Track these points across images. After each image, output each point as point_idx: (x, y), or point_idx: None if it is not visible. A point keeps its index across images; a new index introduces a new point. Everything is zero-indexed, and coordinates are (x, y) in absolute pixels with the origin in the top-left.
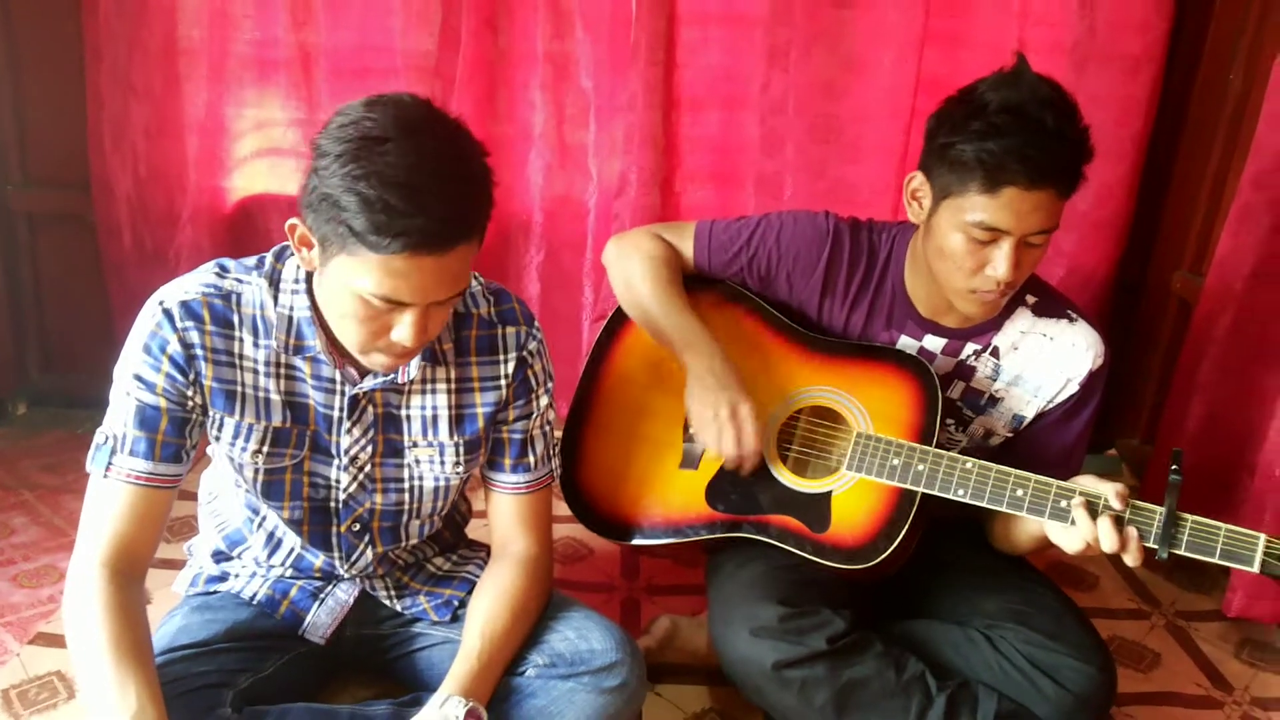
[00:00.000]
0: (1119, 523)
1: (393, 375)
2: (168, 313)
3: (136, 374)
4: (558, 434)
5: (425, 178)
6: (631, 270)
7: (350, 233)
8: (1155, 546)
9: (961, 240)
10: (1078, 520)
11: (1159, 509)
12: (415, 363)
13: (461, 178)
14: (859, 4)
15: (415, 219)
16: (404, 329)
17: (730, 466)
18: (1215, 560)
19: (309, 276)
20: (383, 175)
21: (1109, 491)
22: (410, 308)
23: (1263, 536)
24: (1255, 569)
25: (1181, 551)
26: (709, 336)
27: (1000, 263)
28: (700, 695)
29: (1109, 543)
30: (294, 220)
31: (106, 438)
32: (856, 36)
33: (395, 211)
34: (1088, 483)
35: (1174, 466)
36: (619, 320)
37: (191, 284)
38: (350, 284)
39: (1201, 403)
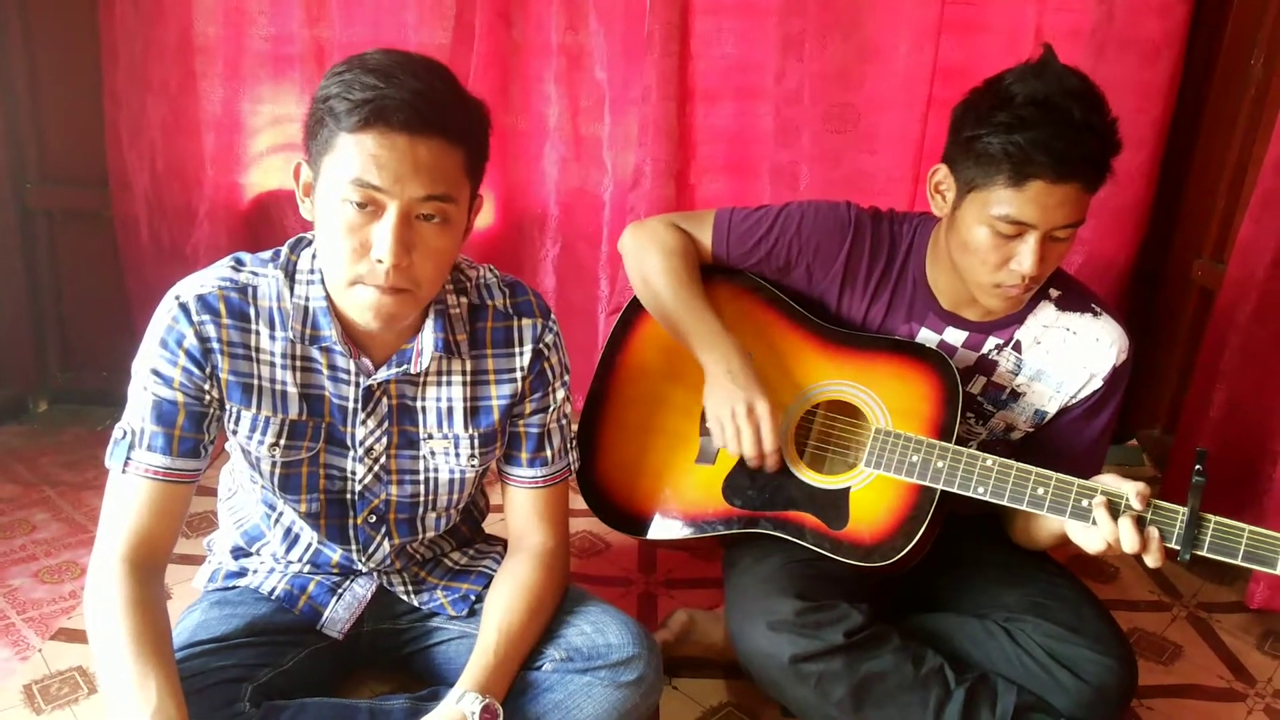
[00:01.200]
0: (1140, 523)
1: (406, 365)
2: (184, 307)
3: (153, 369)
4: (574, 427)
5: (400, 65)
6: (648, 265)
7: (332, 119)
8: (1178, 548)
9: (986, 234)
10: (1099, 520)
11: (1181, 509)
12: (429, 353)
13: (442, 77)
14: None
15: (385, 89)
16: (383, 238)
17: (754, 466)
18: (1238, 562)
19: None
20: (364, 64)
21: (1130, 491)
22: (387, 206)
23: None
24: (1279, 571)
25: (1204, 553)
26: (726, 334)
27: (1025, 257)
28: (717, 689)
29: (1130, 544)
30: (297, 162)
31: (125, 433)
32: (872, 25)
33: (367, 86)
34: (1109, 481)
35: (1197, 467)
36: (634, 313)
37: (208, 278)
38: (335, 183)
39: (1223, 391)
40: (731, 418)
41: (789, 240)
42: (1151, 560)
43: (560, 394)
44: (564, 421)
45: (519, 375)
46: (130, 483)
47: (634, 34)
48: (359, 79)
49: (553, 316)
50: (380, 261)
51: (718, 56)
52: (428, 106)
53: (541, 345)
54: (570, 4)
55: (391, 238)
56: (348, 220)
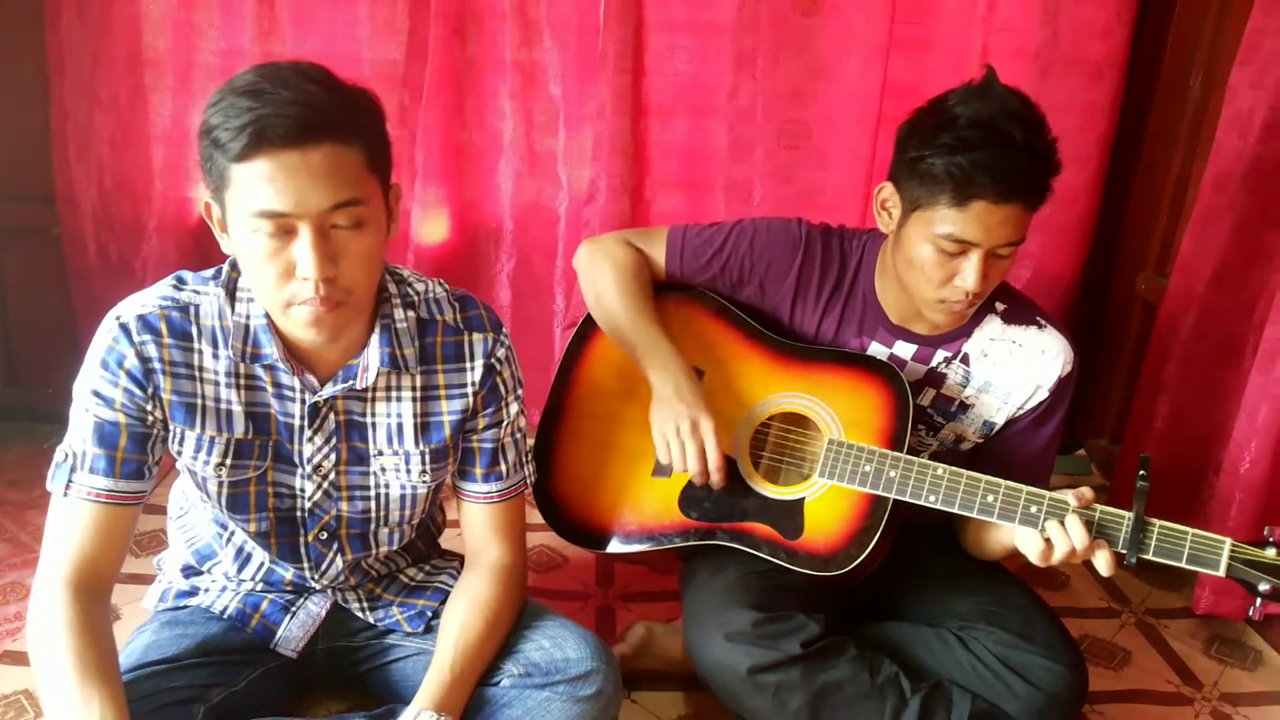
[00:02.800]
0: (1089, 525)
1: (352, 381)
2: (124, 327)
3: (94, 390)
4: (530, 441)
5: (268, 79)
6: (601, 282)
7: (220, 152)
8: (1124, 552)
9: (931, 252)
10: (1047, 527)
11: (1127, 514)
12: (375, 368)
13: (316, 79)
14: (825, 11)
15: (259, 108)
16: (303, 256)
17: (699, 482)
18: (1183, 565)
19: None
20: (234, 88)
21: (1069, 495)
22: (299, 227)
23: (1228, 541)
24: (1221, 573)
25: (1150, 556)
26: (675, 353)
27: (969, 274)
28: (676, 701)
29: (1079, 539)
30: (205, 200)
31: (66, 455)
32: (823, 43)
33: (242, 109)
34: (1056, 494)
35: (1141, 473)
36: (590, 327)
37: (149, 298)
38: (241, 216)
39: (1167, 402)
40: (676, 434)
41: (741, 256)
42: (1103, 566)
43: (514, 408)
44: (518, 435)
45: (470, 390)
46: (72, 505)
47: (588, 51)
48: (234, 104)
49: (504, 330)
50: (307, 279)
51: (671, 74)
52: (310, 113)
53: (493, 360)
54: (524, 21)
55: (313, 255)
56: (265, 249)
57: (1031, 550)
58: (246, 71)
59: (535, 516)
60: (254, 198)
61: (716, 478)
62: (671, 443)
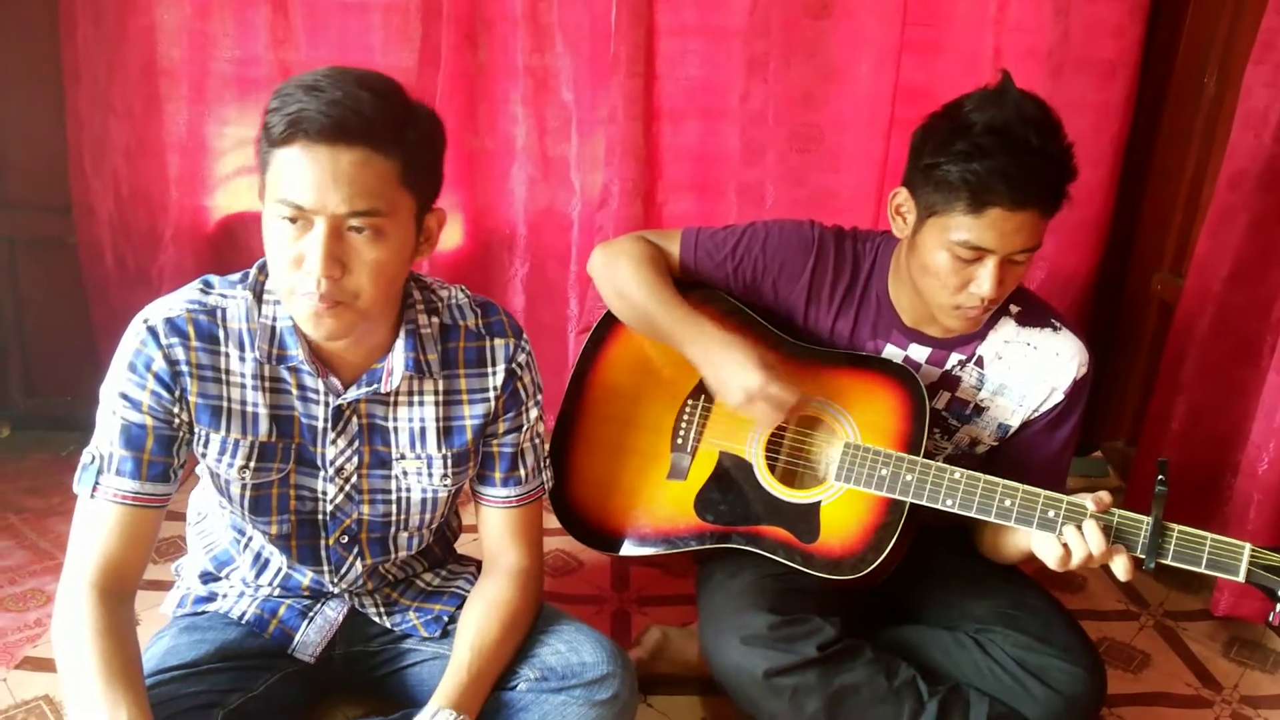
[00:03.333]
0: (1107, 531)
1: (376, 385)
2: (152, 330)
3: (122, 392)
4: (546, 446)
5: (330, 77)
6: (620, 275)
7: (265, 135)
8: (1142, 556)
9: (946, 258)
10: (1065, 533)
11: (1146, 519)
12: (399, 372)
13: (373, 87)
14: (836, 14)
15: (305, 102)
16: (311, 251)
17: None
18: (1201, 570)
19: None
20: (301, 80)
21: (1088, 499)
22: (314, 221)
23: (1248, 546)
24: (1241, 578)
25: (1168, 561)
26: (707, 322)
27: (984, 280)
28: (692, 706)
29: (1096, 544)
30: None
31: (93, 457)
32: (834, 46)
33: (295, 100)
34: (1074, 498)
35: (1160, 477)
36: (604, 331)
37: (176, 301)
38: (270, 199)
39: (1184, 403)
40: (747, 401)
41: (755, 258)
42: (1120, 571)
43: (534, 413)
44: (537, 441)
45: (492, 395)
46: (99, 508)
47: (600, 56)
48: (291, 94)
49: (525, 336)
50: (311, 274)
51: (683, 78)
52: (348, 115)
53: (514, 365)
54: (536, 27)
55: (320, 252)
56: (283, 234)
57: (1050, 556)
58: (319, 70)
59: (550, 521)
60: (282, 184)
61: (801, 411)
62: (748, 410)
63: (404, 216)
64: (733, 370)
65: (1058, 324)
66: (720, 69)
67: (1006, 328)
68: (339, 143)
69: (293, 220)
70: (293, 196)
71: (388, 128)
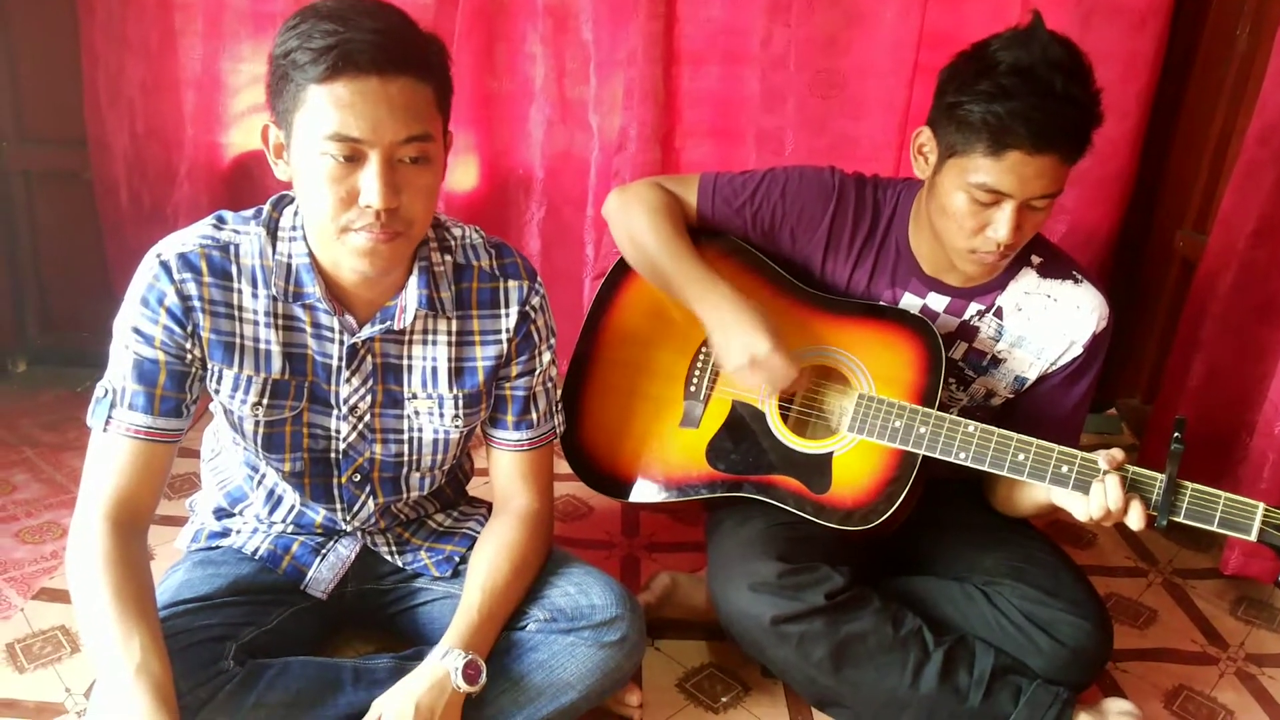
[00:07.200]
0: (1124, 483)
1: (390, 322)
2: (165, 265)
3: (135, 327)
4: (559, 391)
5: (353, 8)
6: (635, 223)
7: (297, 72)
8: (1155, 514)
9: (964, 200)
10: (1092, 487)
11: (1160, 476)
12: (412, 309)
13: (398, 16)
14: None
15: (345, 33)
16: (369, 184)
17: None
18: (1214, 528)
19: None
20: (317, 13)
21: (1104, 461)
22: (369, 154)
23: (1261, 506)
24: (1253, 537)
25: (1181, 519)
26: (717, 279)
27: (1001, 225)
28: (699, 650)
29: (1114, 499)
30: (265, 124)
31: (106, 391)
32: None
33: (326, 32)
34: (1088, 455)
35: (1176, 434)
36: (619, 276)
37: (189, 237)
38: (311, 139)
39: (1202, 361)
40: (748, 365)
41: (774, 204)
42: (1135, 520)
43: (546, 357)
44: (550, 384)
45: (505, 337)
46: (112, 441)
47: None
48: (316, 28)
49: (539, 279)
50: (369, 207)
51: (704, 20)
52: (393, 44)
53: (528, 308)
54: None
55: (379, 184)
56: (330, 172)
57: (1068, 504)
58: (327, 3)
59: (561, 465)
60: (329, 120)
61: (800, 386)
62: (744, 376)
63: (440, 140)
64: (739, 333)
65: (1079, 276)
66: (742, 12)
67: (1027, 278)
68: (388, 72)
69: (341, 158)
70: (347, 131)
71: (422, 53)
